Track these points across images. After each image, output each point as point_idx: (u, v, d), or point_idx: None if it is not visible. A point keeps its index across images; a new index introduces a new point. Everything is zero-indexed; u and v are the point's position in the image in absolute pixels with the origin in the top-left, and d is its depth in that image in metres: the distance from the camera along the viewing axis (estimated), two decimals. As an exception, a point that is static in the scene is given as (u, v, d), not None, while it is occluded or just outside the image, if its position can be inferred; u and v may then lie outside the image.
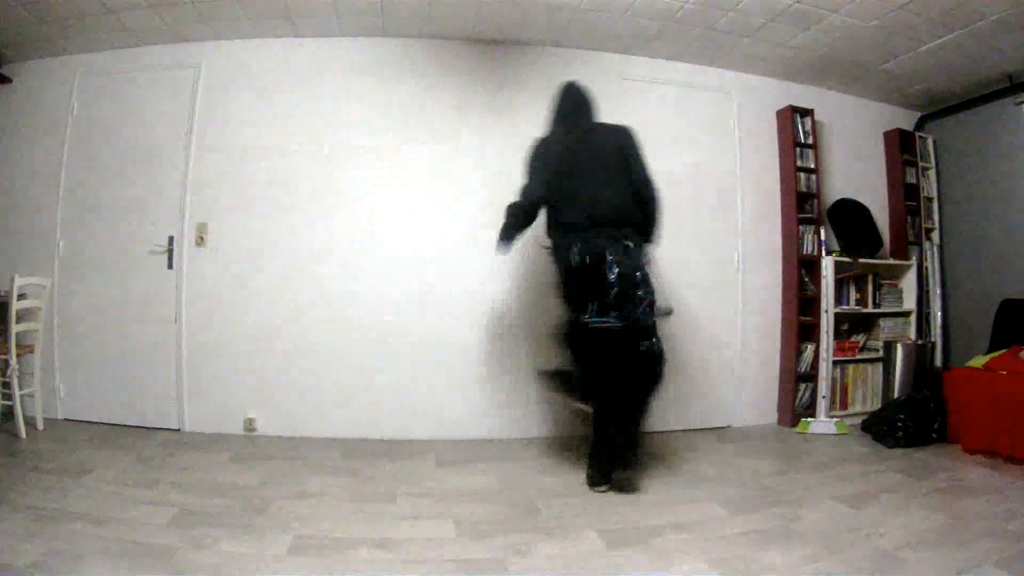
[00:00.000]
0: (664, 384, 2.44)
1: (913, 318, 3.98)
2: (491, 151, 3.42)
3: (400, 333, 3.31)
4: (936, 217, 4.17)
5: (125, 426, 3.21)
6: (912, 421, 3.18)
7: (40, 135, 3.39)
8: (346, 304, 3.30)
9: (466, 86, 3.45)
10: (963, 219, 4.08)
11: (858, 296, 3.91)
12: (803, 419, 3.57)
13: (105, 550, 1.73)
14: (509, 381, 3.35)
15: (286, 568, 1.72)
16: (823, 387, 3.58)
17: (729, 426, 3.58)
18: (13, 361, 2.86)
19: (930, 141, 4.20)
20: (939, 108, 4.16)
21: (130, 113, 3.39)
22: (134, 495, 2.21)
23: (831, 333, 3.61)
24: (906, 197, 4.02)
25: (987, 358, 3.26)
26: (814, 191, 3.78)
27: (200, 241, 3.30)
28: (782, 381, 3.76)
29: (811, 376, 3.68)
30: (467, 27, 3.31)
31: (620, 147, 2.48)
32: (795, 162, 3.74)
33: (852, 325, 3.94)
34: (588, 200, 2.41)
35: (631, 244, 2.41)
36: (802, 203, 3.76)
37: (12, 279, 2.82)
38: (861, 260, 3.83)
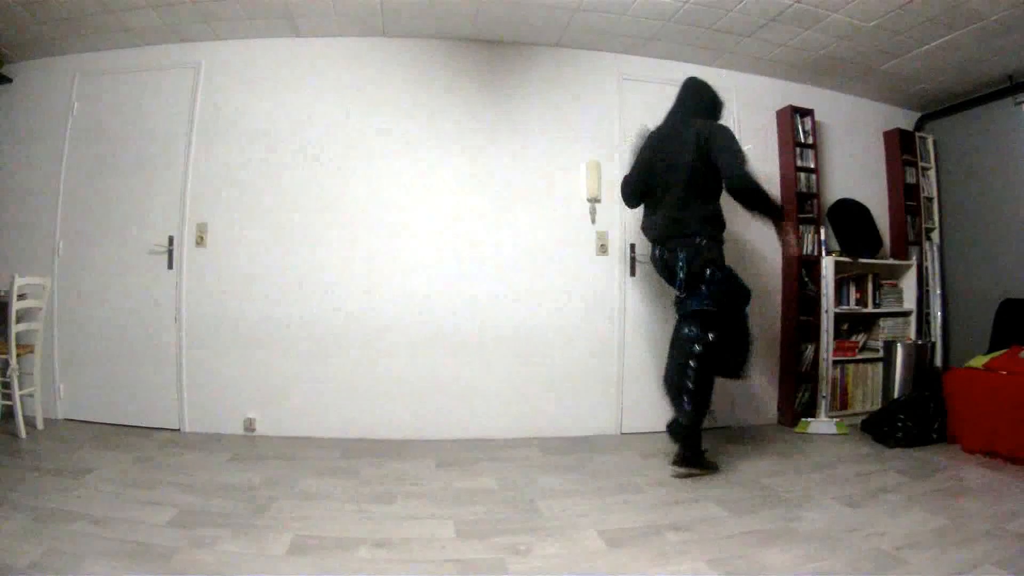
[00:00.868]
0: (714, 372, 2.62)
1: (913, 318, 3.98)
2: (491, 151, 3.42)
3: (400, 333, 3.31)
4: (936, 217, 4.17)
5: (125, 426, 3.21)
6: (912, 421, 3.18)
7: (40, 135, 3.39)
8: (346, 304, 3.30)
9: (466, 86, 3.45)
10: (963, 219, 4.08)
11: (858, 296, 3.91)
12: (803, 419, 3.57)
13: (105, 550, 1.74)
14: (512, 381, 3.36)
15: (286, 568, 1.72)
16: (823, 387, 3.58)
17: (729, 426, 3.58)
18: (13, 361, 2.86)
19: (930, 141, 4.20)
20: (939, 108, 4.16)
21: (130, 113, 3.39)
22: (134, 495, 2.22)
23: (831, 333, 3.61)
24: (906, 197, 4.03)
25: (987, 358, 3.26)
26: (814, 191, 3.78)
27: (200, 241, 3.30)
28: (782, 381, 3.76)
29: (811, 376, 3.68)
30: (467, 27, 3.31)
31: (698, 148, 2.55)
32: (795, 162, 3.74)
33: (852, 325, 3.94)
34: (660, 219, 2.70)
35: (702, 242, 2.59)
36: (802, 203, 3.76)
37: (12, 279, 2.83)
38: (861, 260, 3.83)
